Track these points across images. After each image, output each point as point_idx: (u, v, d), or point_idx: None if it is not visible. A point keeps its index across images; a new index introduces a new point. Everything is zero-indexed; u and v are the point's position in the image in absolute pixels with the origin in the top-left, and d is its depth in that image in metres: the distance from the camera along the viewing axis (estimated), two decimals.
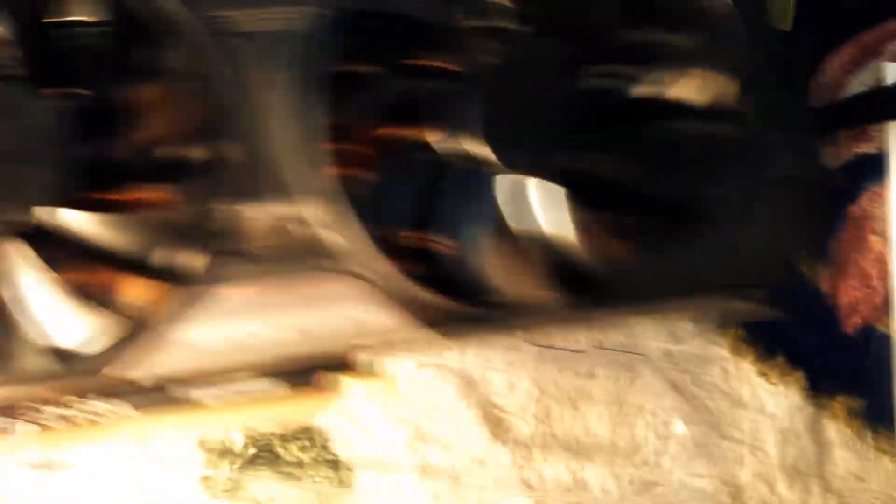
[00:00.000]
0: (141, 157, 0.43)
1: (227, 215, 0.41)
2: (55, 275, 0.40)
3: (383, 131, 0.45)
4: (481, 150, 0.43)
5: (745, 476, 0.52)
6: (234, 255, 0.41)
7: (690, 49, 0.47)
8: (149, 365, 0.40)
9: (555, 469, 0.51)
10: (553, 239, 0.44)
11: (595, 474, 0.51)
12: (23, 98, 0.40)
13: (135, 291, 0.42)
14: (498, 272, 0.43)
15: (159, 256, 0.41)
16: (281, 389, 0.43)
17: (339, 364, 0.43)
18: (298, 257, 0.41)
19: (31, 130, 0.40)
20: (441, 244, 0.44)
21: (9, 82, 0.41)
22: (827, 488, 0.52)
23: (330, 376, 0.43)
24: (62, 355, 0.40)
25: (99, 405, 0.42)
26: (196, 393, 0.42)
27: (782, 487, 0.52)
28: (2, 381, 0.39)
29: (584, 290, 0.43)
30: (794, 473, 0.52)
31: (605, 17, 0.46)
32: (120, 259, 0.41)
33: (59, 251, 0.41)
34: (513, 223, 0.44)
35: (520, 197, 0.44)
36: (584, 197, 0.44)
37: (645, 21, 0.47)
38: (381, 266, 0.41)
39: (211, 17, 0.42)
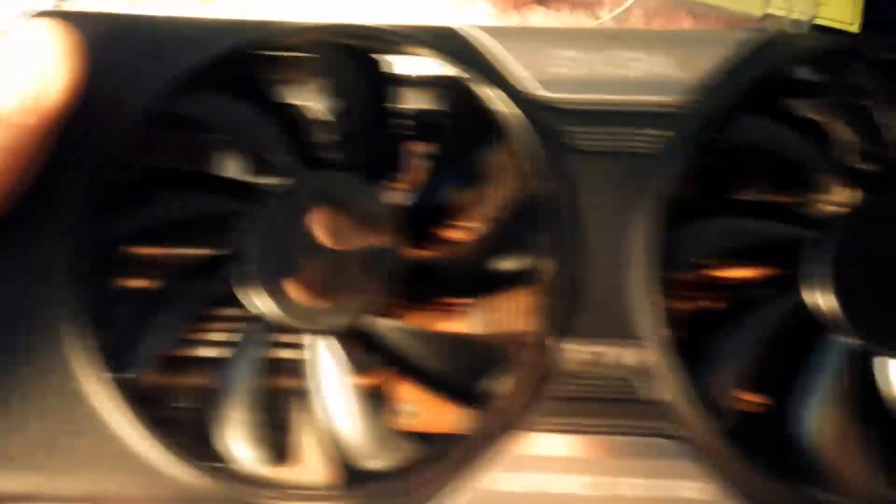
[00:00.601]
0: (456, 264, 0.41)
1: (540, 346, 0.38)
2: (358, 380, 0.39)
3: (723, 272, 0.41)
4: (831, 307, 0.37)
5: None
6: (546, 396, 0.37)
7: None
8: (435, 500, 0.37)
9: None
10: None
11: None
12: (356, 192, 0.39)
13: (438, 414, 0.40)
14: (837, 455, 0.37)
15: (467, 382, 0.39)
16: None
17: None
18: (615, 409, 0.37)
19: (366, 228, 0.39)
20: (772, 410, 0.39)
21: (332, 170, 0.41)
22: None
23: None
24: (348, 467, 0.39)
25: None
26: None
27: None
28: (289, 495, 0.38)
29: None
30: None
31: None
32: (427, 377, 0.39)
33: (367, 355, 0.40)
34: (860, 401, 0.38)
35: (873, 371, 0.38)
36: None
37: None
38: (706, 430, 0.37)
39: (551, 129, 0.39)
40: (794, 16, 0.74)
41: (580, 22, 0.78)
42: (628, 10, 0.77)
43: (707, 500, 0.36)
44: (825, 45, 0.40)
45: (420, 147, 0.43)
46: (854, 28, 0.76)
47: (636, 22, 0.77)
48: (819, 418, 0.38)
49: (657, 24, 0.78)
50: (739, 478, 0.36)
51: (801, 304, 0.38)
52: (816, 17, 0.75)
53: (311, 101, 0.43)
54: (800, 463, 0.37)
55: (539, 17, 0.78)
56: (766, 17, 0.76)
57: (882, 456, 0.38)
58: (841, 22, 0.76)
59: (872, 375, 0.38)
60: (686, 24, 0.78)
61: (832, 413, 0.38)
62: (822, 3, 0.73)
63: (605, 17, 0.77)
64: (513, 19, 0.78)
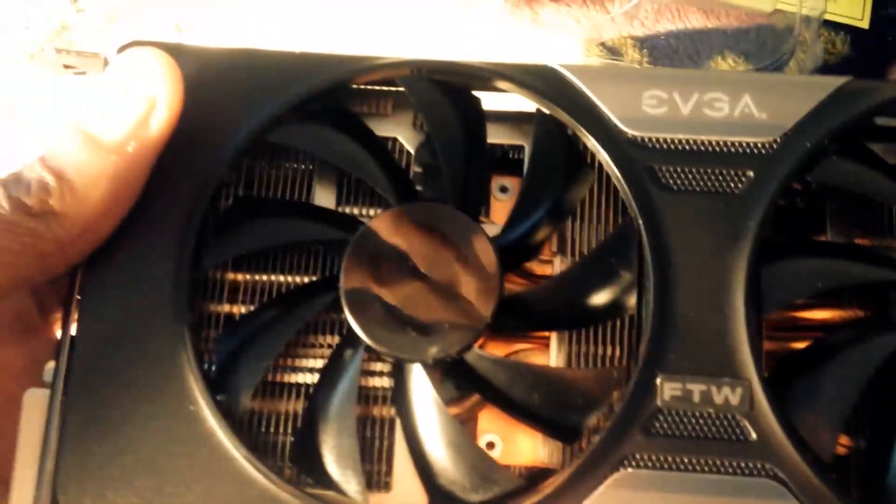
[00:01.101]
0: (546, 297, 0.42)
1: (632, 382, 0.39)
2: (453, 410, 0.40)
3: (806, 313, 0.42)
4: None
5: None
6: (638, 432, 0.38)
7: None
8: None
9: None
10: None
11: None
12: (459, 224, 0.40)
13: (518, 448, 0.41)
14: None
15: (558, 415, 0.40)
16: None
17: None
18: (709, 447, 0.38)
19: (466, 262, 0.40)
20: (871, 451, 0.40)
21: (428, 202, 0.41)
22: None
23: None
24: (438, 492, 0.39)
25: None
26: None
27: None
28: None
29: None
30: None
31: None
32: (519, 408, 0.40)
33: (457, 385, 0.41)
34: None
35: None
36: None
37: None
38: (804, 470, 0.37)
39: (639, 167, 0.40)
40: (804, 12, 0.75)
41: (590, 16, 0.79)
42: (638, 5, 0.78)
43: None
44: None
45: (501, 181, 0.44)
46: (863, 24, 0.78)
47: (646, 17, 0.78)
48: None
49: (667, 20, 0.79)
50: None
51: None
52: (826, 13, 0.76)
53: (399, 133, 0.44)
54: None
55: (550, 11, 0.79)
56: (776, 12, 0.77)
57: None
58: (850, 18, 0.78)
59: None
60: (695, 19, 0.79)
61: None
62: None
63: (616, 12, 0.78)
64: (524, 13, 0.78)
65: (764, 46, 0.77)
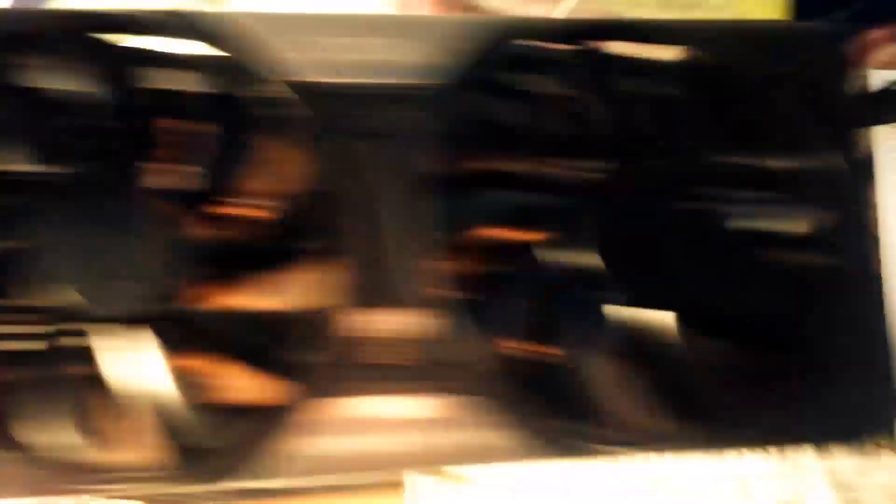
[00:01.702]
0: (253, 242, 0.43)
1: (343, 319, 0.40)
2: (175, 362, 0.41)
3: (495, 236, 0.44)
4: (594, 262, 0.41)
5: None
6: (351, 364, 0.40)
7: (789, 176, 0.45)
8: (266, 470, 0.39)
9: None
10: (660, 363, 0.41)
11: None
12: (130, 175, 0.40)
13: (256, 390, 0.42)
14: (607, 390, 0.41)
15: (279, 355, 0.41)
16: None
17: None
18: (415, 369, 0.40)
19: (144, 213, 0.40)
20: (551, 355, 0.42)
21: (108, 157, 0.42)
22: None
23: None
24: (181, 449, 0.40)
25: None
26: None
27: None
28: (119, 477, 0.40)
29: (690, 415, 0.41)
30: None
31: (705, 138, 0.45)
32: (241, 352, 0.41)
33: (181, 338, 0.41)
34: (620, 342, 0.42)
35: (628, 316, 0.42)
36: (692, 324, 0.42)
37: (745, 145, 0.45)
38: (493, 380, 0.40)
39: (328, 114, 0.42)
40: None
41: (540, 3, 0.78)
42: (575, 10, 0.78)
43: (504, 446, 0.40)
44: (553, 25, 0.44)
45: (188, 128, 0.44)
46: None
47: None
48: (594, 365, 0.41)
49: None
50: (533, 423, 0.40)
51: (573, 264, 0.41)
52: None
53: (61, 84, 0.43)
54: (582, 405, 0.41)
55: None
56: None
57: (652, 396, 0.41)
58: None
59: (640, 324, 0.42)
60: None
61: (604, 359, 0.41)
62: None
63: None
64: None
65: None
